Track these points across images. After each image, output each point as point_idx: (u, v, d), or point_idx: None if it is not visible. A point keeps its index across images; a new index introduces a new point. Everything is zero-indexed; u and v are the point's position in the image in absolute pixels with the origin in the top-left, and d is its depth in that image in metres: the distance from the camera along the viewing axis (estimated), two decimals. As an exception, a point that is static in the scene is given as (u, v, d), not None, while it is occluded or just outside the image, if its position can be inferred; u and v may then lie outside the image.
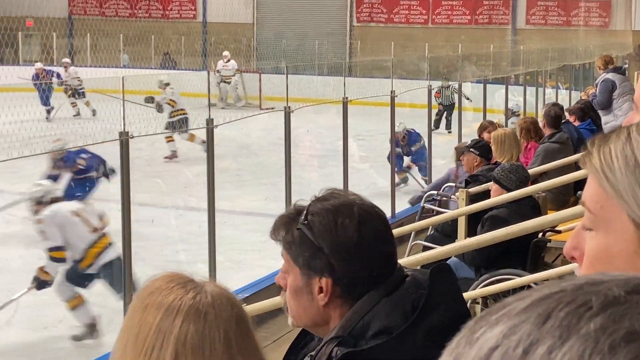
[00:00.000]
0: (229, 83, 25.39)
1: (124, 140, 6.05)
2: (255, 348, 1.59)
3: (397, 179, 12.63)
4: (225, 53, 26.17)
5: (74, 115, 22.16)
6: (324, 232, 1.77)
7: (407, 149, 12.79)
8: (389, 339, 1.68)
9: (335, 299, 1.79)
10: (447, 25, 31.81)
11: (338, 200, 1.83)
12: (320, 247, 1.77)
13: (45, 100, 21.82)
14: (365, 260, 1.79)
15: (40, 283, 6.98)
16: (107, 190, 9.88)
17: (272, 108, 9.79)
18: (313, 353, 1.78)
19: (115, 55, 31.87)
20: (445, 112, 19.61)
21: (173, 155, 15.71)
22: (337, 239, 1.77)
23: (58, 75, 23.03)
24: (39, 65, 23.21)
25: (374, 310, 1.75)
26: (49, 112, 21.80)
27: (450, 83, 18.56)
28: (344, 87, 9.39)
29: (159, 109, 16.53)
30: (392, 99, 10.47)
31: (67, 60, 24.77)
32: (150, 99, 16.54)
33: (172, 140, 15.60)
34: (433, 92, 13.81)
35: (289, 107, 8.12)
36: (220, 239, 7.30)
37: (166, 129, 15.96)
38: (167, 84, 16.86)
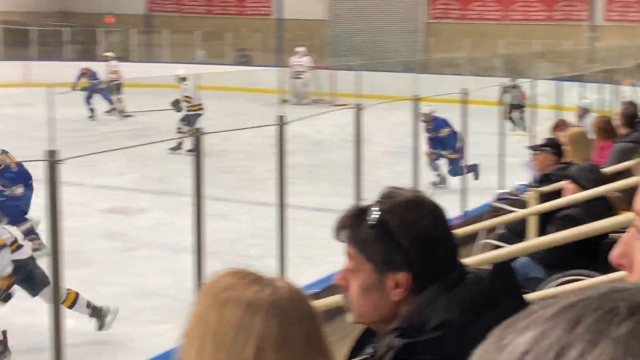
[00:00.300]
0: (301, 79, 25.33)
1: (198, 135, 6.16)
2: (326, 344, 1.60)
3: (436, 178, 12.62)
4: (300, 49, 26.12)
5: (107, 112, 21.56)
6: (401, 227, 1.80)
7: (433, 134, 12.75)
8: (447, 332, 1.70)
9: (410, 293, 1.82)
10: (523, 22, 31.41)
11: (405, 196, 1.86)
12: (399, 243, 1.80)
13: (107, 98, 21.86)
14: (440, 251, 1.82)
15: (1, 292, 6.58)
16: (181, 184, 10.04)
17: (345, 105, 9.80)
18: (376, 344, 1.82)
19: (191, 52, 32.29)
20: (513, 111, 19.15)
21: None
22: (416, 232, 1.81)
23: (94, 75, 21.72)
24: (84, 65, 22.47)
25: (435, 304, 1.77)
26: (114, 110, 21.65)
27: (517, 81, 18.01)
28: (416, 84, 9.36)
29: (177, 108, 16.33)
30: (464, 96, 10.42)
31: (110, 53, 23.92)
32: (175, 103, 16.50)
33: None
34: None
35: (360, 104, 8.14)
36: (292, 235, 7.36)
37: (181, 121, 15.98)
38: (184, 79, 16.52)
